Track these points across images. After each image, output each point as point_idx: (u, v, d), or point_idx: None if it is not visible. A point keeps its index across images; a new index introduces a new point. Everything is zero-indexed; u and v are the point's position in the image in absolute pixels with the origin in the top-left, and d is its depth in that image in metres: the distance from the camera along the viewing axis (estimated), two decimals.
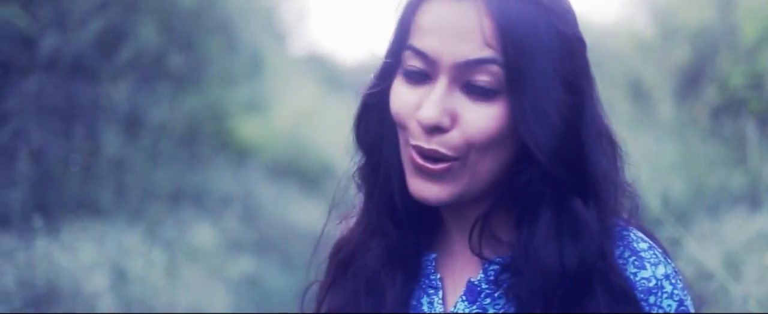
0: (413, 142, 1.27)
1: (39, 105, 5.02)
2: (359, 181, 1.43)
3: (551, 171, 1.24)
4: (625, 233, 1.30)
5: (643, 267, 1.26)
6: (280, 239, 7.10)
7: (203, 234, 5.82)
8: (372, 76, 1.38)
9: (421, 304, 1.40)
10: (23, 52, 4.95)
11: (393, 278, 1.40)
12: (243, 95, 8.04)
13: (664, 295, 1.25)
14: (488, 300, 1.34)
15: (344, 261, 1.47)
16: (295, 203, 8.16)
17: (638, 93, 6.20)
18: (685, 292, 1.28)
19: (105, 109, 5.67)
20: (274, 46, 9.89)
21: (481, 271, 1.35)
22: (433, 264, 1.41)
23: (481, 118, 1.23)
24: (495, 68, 1.22)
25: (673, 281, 1.27)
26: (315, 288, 1.53)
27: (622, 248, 1.28)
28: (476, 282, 1.35)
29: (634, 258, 1.27)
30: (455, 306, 1.36)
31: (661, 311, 1.25)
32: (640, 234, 1.32)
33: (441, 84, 1.24)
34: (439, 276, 1.40)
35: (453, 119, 1.24)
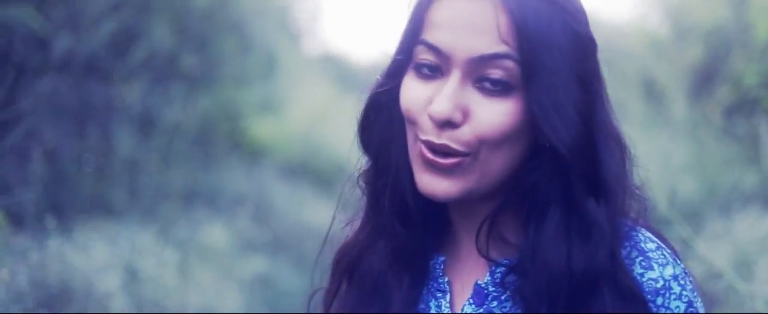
0: (423, 137, 1.26)
1: (52, 105, 5.02)
2: (364, 184, 1.43)
3: (570, 166, 1.24)
4: (632, 233, 1.29)
5: (651, 268, 1.25)
6: (293, 239, 7.08)
7: (216, 234, 5.81)
8: (379, 75, 1.37)
9: (429, 307, 1.40)
10: (37, 53, 4.96)
11: (400, 280, 1.40)
12: (256, 95, 8.03)
13: (673, 296, 1.24)
14: (495, 303, 1.33)
15: (350, 264, 1.46)
16: (308, 203, 8.14)
17: (651, 92, 6.17)
18: (695, 293, 1.27)
19: (118, 110, 5.68)
20: (288, 46, 9.86)
21: (488, 273, 1.35)
22: (442, 267, 1.41)
23: (494, 114, 1.23)
24: (510, 64, 1.22)
25: (682, 282, 1.25)
26: (321, 294, 1.52)
27: (629, 248, 1.27)
28: (483, 285, 1.35)
29: (641, 258, 1.26)
30: (462, 309, 1.36)
31: (669, 312, 1.24)
32: (649, 234, 1.31)
33: (454, 78, 1.24)
34: (447, 280, 1.40)
35: (465, 114, 1.24)
